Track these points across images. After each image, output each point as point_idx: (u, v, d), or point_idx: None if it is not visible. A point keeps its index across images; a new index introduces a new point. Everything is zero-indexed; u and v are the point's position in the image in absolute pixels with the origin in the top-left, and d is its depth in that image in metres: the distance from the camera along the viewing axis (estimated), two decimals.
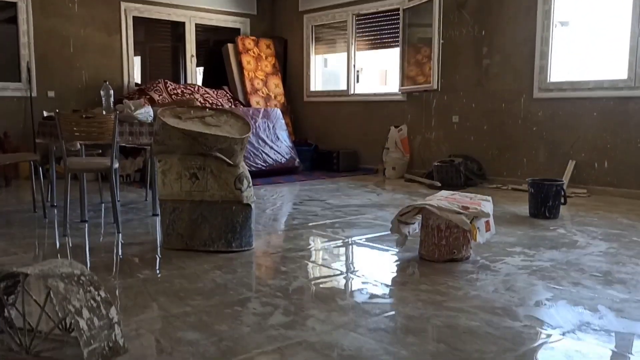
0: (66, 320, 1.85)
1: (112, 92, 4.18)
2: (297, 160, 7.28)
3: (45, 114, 4.65)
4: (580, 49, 6.51)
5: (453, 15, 6.35)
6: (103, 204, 4.84)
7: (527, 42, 5.76)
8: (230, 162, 3.24)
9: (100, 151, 5.25)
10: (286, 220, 4.31)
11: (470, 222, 2.99)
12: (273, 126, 7.27)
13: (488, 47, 6.10)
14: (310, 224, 4.11)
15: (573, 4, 5.75)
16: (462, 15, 6.28)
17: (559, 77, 5.69)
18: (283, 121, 7.43)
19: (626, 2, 5.07)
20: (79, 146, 4.62)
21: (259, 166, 6.81)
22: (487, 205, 3.16)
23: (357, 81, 7.78)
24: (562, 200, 4.35)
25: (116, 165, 3.86)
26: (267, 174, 6.86)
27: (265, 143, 7.06)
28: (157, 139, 3.25)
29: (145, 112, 4.12)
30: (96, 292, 1.82)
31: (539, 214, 4.33)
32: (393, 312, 2.29)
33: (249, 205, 3.30)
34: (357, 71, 7.81)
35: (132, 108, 4.02)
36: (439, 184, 5.98)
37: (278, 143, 7.19)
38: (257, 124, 7.10)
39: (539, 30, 5.63)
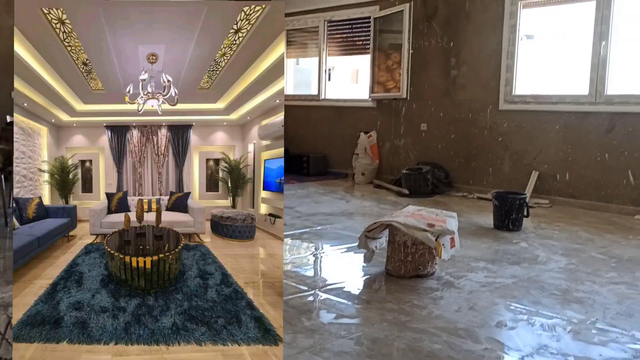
0: None
1: None
2: None
3: None
4: (544, 63, 6.68)
5: (423, 26, 6.44)
6: None
7: (493, 55, 5.88)
8: None
9: None
10: None
11: (436, 240, 3.05)
12: None
13: (456, 58, 6.20)
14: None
15: (538, 19, 5.90)
16: (432, 26, 6.37)
17: (524, 90, 5.83)
18: None
19: (588, 20, 5.22)
20: None
21: None
22: (452, 222, 3.23)
23: (329, 79, 7.81)
24: (525, 213, 4.47)
25: None
26: None
27: None
28: None
29: None
30: None
31: (503, 226, 4.44)
32: (359, 334, 2.33)
33: None
34: (329, 69, 7.84)
35: None
36: (407, 192, 6.07)
37: None
38: None
39: (505, 44, 5.75)
